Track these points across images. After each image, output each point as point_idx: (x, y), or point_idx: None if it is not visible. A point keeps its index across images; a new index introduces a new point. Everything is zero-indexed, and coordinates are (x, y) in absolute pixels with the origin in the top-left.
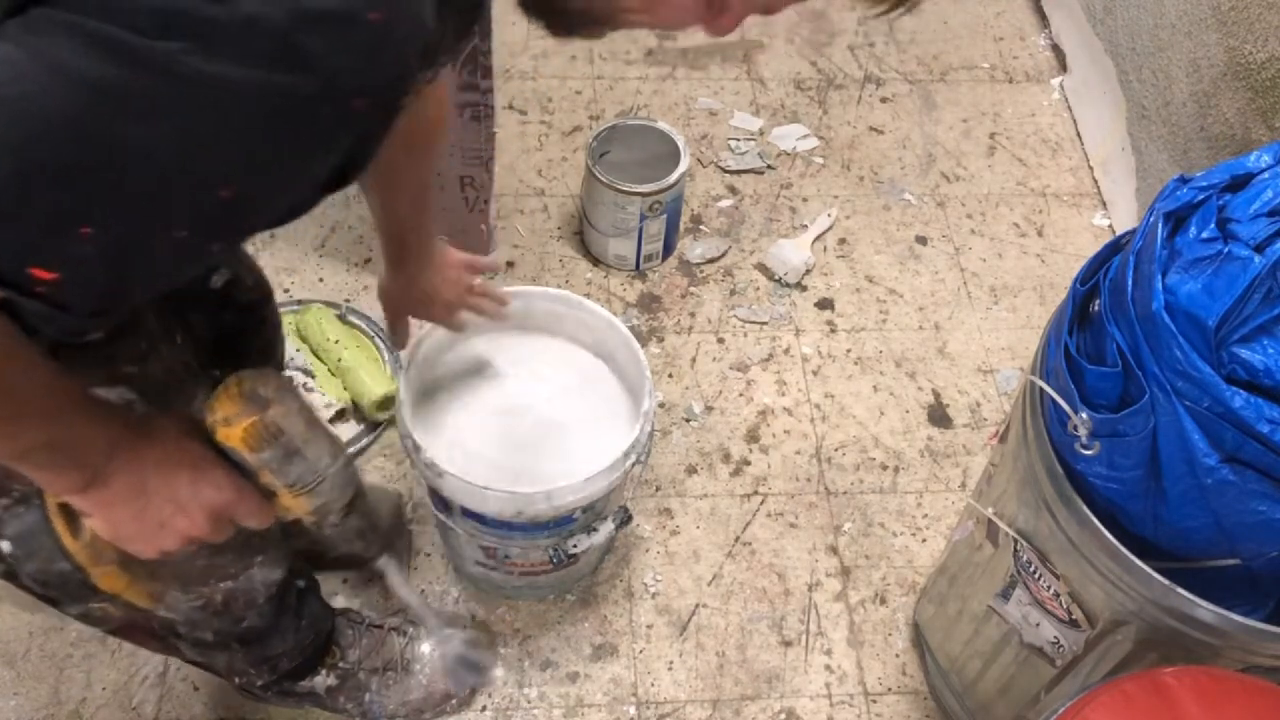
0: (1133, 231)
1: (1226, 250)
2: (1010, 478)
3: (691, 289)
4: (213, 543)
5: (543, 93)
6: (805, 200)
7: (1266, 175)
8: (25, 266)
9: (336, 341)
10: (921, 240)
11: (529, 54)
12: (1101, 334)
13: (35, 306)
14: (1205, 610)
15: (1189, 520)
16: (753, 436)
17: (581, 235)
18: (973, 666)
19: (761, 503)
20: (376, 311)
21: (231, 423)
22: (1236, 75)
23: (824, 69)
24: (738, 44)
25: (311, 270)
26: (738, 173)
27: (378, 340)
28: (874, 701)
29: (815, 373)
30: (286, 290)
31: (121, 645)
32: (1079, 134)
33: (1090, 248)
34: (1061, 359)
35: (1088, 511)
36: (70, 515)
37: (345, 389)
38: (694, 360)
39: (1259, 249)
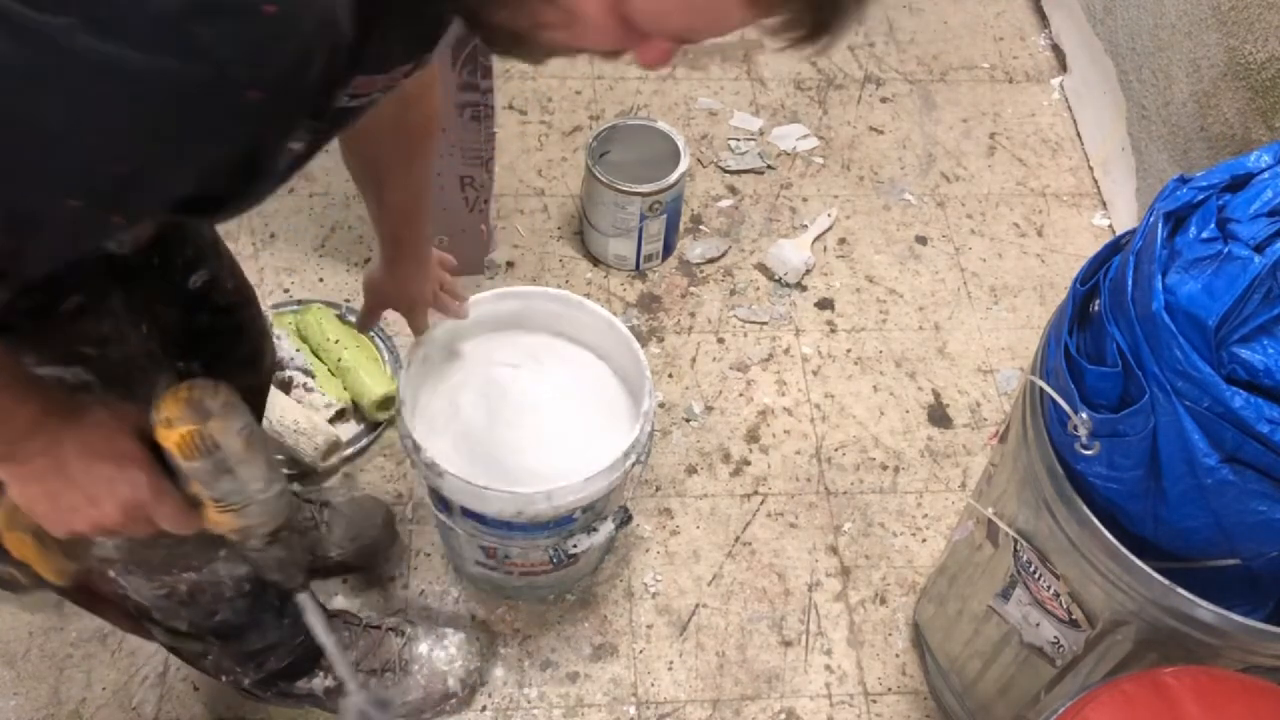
0: (1133, 231)
1: (1226, 250)
2: (1010, 478)
3: (691, 289)
4: (133, 536)
5: (543, 93)
6: (805, 200)
7: (1266, 175)
8: None
9: (336, 341)
10: (921, 240)
11: None
12: (1101, 334)
13: None
14: (1205, 610)
15: (1189, 520)
16: (753, 436)
17: (581, 235)
18: (973, 666)
19: (761, 503)
20: None
21: (171, 425)
22: (1236, 75)
23: (824, 69)
24: (738, 44)
25: (311, 270)
26: (738, 173)
27: (378, 340)
28: (874, 701)
29: (815, 373)
30: (286, 290)
31: (121, 645)
32: (1079, 134)
33: (1090, 248)
34: (1061, 359)
35: (1088, 511)
36: None
37: (345, 389)
38: (694, 360)
39: (1259, 249)
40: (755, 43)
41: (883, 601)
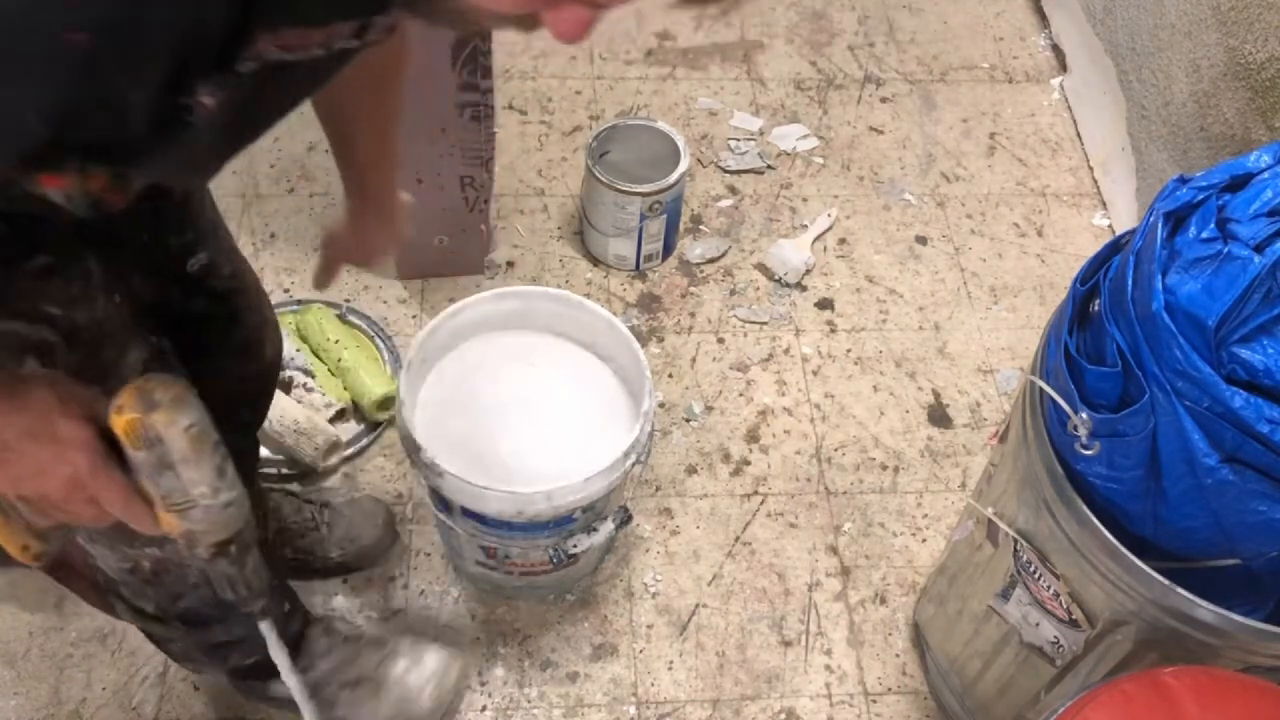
0: (1133, 231)
1: (1226, 250)
2: (1010, 478)
3: (691, 289)
4: (90, 523)
5: (543, 93)
6: (805, 200)
7: (1266, 175)
8: None
9: (336, 341)
10: (921, 240)
11: (529, 54)
12: (1101, 334)
13: None
14: (1205, 610)
15: (1189, 520)
16: (753, 436)
17: (581, 235)
18: (973, 666)
19: (761, 503)
20: (376, 311)
21: (121, 412)
22: (1236, 75)
23: (824, 69)
24: (738, 44)
25: (311, 270)
26: (738, 173)
27: (378, 340)
28: (874, 701)
29: (815, 373)
30: (286, 290)
31: (121, 645)
32: (1079, 134)
33: (1090, 248)
34: (1061, 359)
35: (1088, 511)
36: None
37: (345, 389)
38: (694, 360)
39: (1259, 249)
40: (755, 43)
41: (883, 601)
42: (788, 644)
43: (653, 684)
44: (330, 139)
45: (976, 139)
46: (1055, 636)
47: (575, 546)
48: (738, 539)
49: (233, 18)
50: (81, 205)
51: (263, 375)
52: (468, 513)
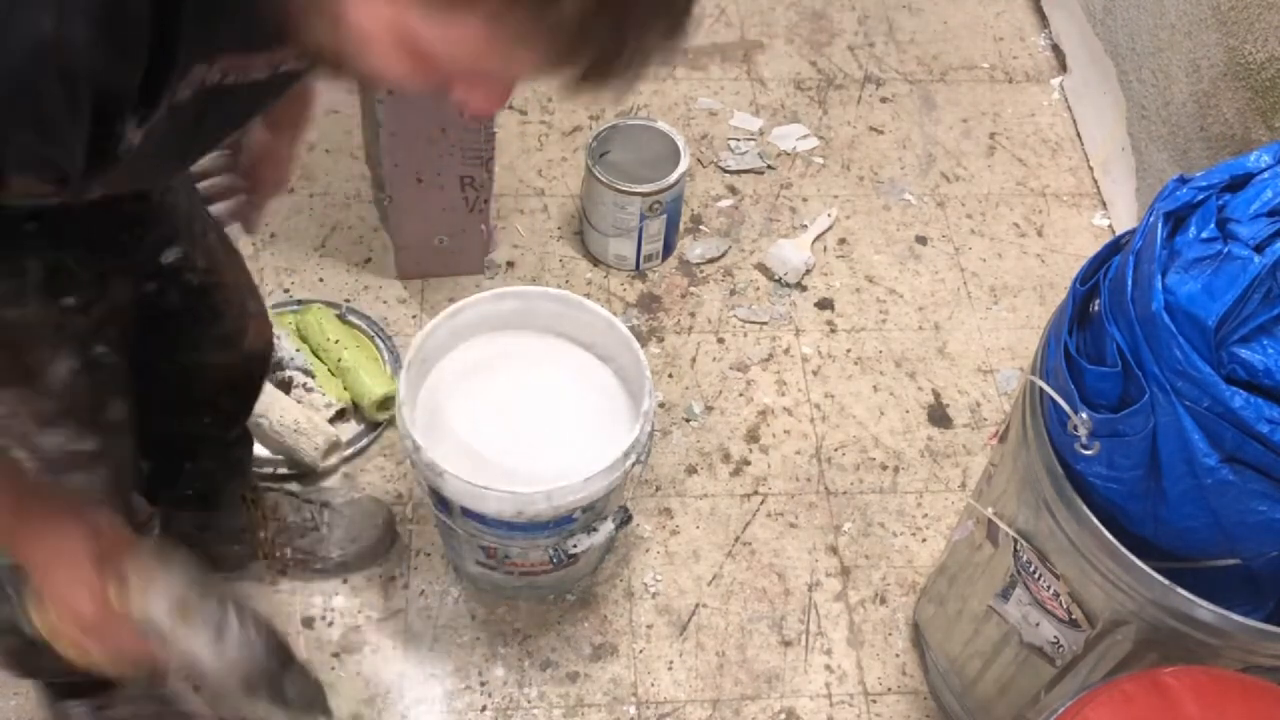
0: (1133, 231)
1: (1226, 250)
2: (1010, 478)
3: (691, 289)
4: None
5: (543, 93)
6: (805, 200)
7: (1266, 175)
8: None
9: (336, 341)
10: (921, 240)
11: None
12: (1101, 334)
13: None
14: (1205, 610)
15: (1189, 520)
16: (753, 436)
17: (581, 235)
18: (973, 666)
19: (761, 503)
20: (376, 311)
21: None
22: (1236, 75)
23: (824, 69)
24: (738, 44)
25: (311, 270)
26: (738, 173)
27: (378, 340)
28: (874, 701)
29: (815, 373)
30: (286, 290)
31: None
32: (1079, 134)
33: (1090, 248)
34: (1061, 359)
35: (1088, 511)
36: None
37: (345, 389)
38: (694, 360)
39: (1259, 249)
40: (755, 43)
41: (883, 601)
42: (788, 644)
43: (653, 684)
44: None
45: (976, 139)
46: (1055, 636)
47: (575, 546)
48: (738, 539)
49: (154, 63)
50: (24, 205)
51: (247, 366)
52: (468, 513)
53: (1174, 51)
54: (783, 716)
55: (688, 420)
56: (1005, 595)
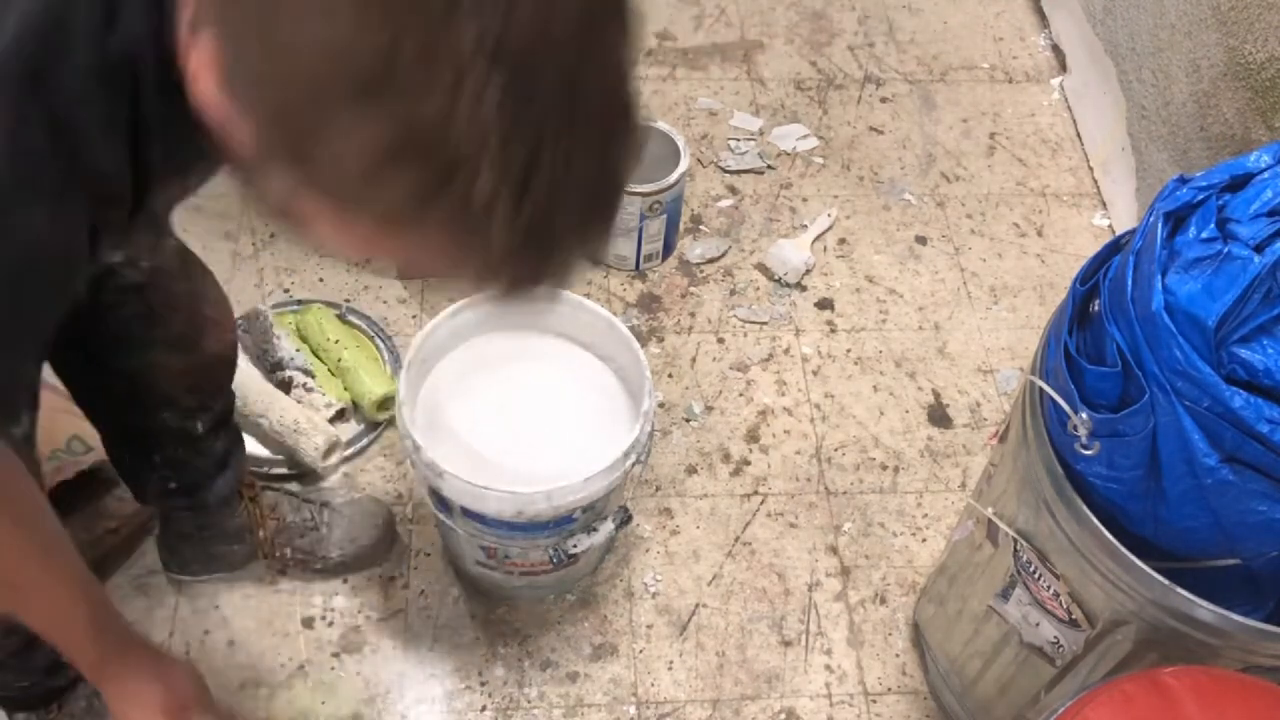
0: (1133, 231)
1: (1226, 250)
2: (1010, 478)
3: (691, 289)
4: None
5: None
6: (805, 200)
7: (1266, 175)
8: None
9: (336, 341)
10: (921, 240)
11: None
12: (1101, 334)
13: None
14: (1205, 610)
15: (1189, 520)
16: (753, 436)
17: None
18: (973, 666)
19: (761, 503)
20: (376, 311)
21: None
22: (1236, 75)
23: (824, 69)
24: (738, 44)
25: (311, 270)
26: (738, 173)
27: (378, 340)
28: (874, 701)
29: (815, 373)
30: (286, 290)
31: None
32: (1079, 134)
33: (1090, 248)
34: (1061, 359)
35: (1088, 511)
36: None
37: (345, 389)
38: (694, 360)
39: (1259, 249)
40: (755, 43)
41: (883, 601)
42: (788, 644)
43: (653, 684)
44: None
45: (976, 139)
46: (1055, 636)
47: (575, 546)
48: (738, 539)
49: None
50: None
51: (208, 369)
52: (468, 513)
53: (1174, 51)
54: (783, 716)
55: (688, 420)
56: (1005, 595)
